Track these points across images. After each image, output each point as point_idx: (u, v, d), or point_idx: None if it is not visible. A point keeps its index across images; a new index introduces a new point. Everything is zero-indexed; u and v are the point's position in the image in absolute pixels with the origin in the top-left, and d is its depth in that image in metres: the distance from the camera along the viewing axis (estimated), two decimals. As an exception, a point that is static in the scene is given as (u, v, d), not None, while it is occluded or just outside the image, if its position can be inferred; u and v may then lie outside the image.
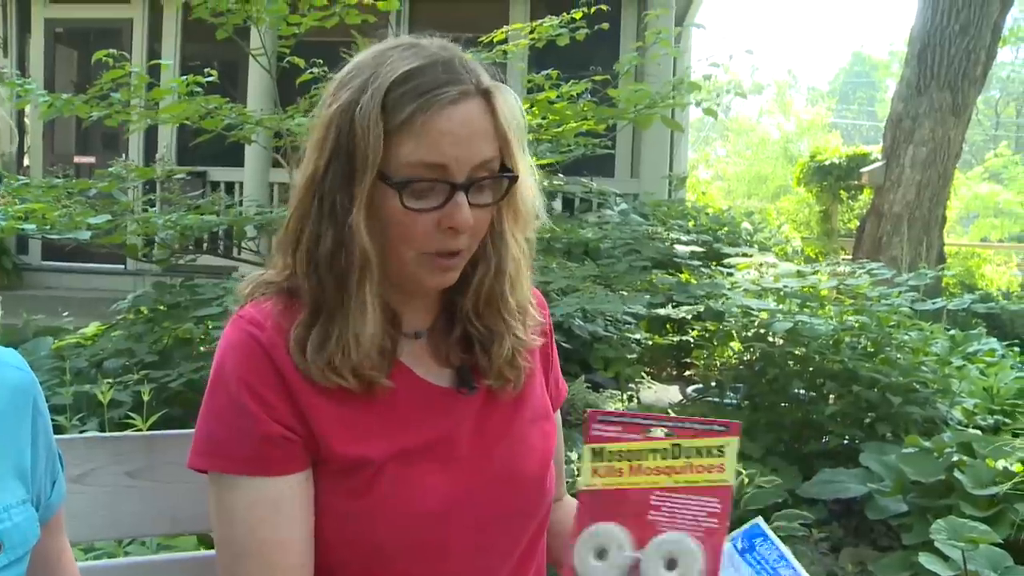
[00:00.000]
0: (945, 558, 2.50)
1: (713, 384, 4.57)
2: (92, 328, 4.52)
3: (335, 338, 1.04)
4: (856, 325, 4.05)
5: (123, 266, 8.81)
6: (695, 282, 4.47)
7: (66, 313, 5.51)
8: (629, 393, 4.91)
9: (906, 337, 4.24)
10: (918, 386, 4.06)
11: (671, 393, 5.07)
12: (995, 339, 5.90)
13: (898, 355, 4.11)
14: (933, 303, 4.11)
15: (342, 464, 1.07)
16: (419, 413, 1.12)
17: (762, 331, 4.22)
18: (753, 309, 3.71)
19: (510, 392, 1.17)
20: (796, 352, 3.98)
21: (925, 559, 2.50)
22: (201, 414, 1.09)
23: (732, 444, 0.94)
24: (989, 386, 4.66)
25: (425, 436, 1.11)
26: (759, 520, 1.14)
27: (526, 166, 1.10)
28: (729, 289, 4.04)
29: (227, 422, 1.06)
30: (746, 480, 3.58)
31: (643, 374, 4.95)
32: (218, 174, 8.46)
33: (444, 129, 1.01)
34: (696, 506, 0.93)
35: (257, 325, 1.07)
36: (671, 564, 0.92)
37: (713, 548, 0.92)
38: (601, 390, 4.99)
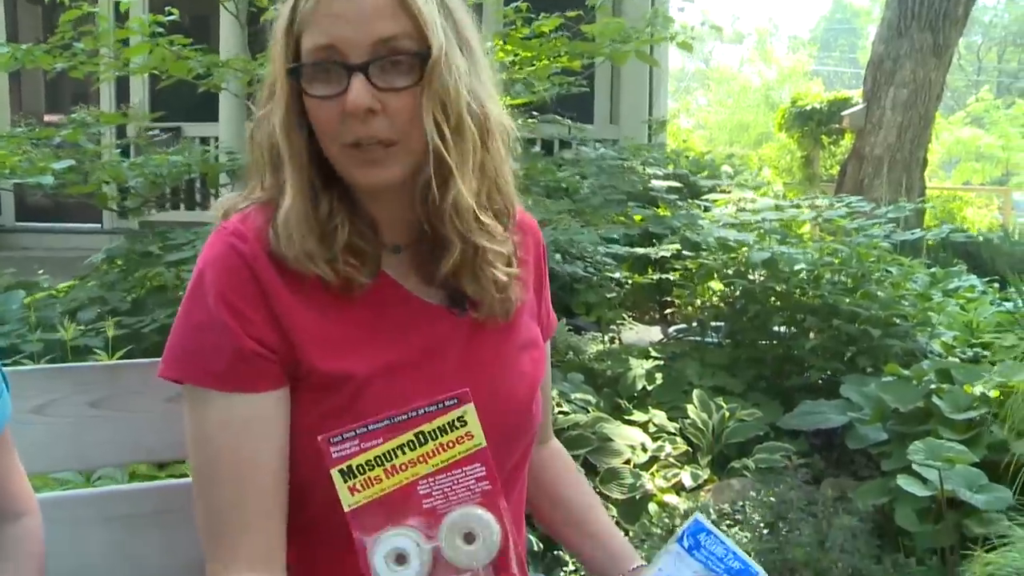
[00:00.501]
0: (923, 480, 2.51)
1: (694, 323, 4.55)
2: (67, 284, 4.46)
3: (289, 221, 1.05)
4: (836, 261, 4.04)
5: (99, 224, 8.71)
6: (671, 215, 4.44)
7: (42, 271, 5.43)
8: (611, 335, 4.90)
9: (886, 272, 4.23)
10: (898, 319, 4.07)
11: (652, 334, 5.05)
12: (975, 276, 5.92)
13: (878, 289, 4.11)
14: (912, 233, 4.09)
15: (324, 380, 1.05)
16: (405, 326, 1.10)
17: (742, 268, 4.21)
18: (731, 241, 3.68)
19: (500, 320, 1.15)
20: (776, 288, 3.97)
21: (903, 481, 2.51)
22: (176, 324, 1.06)
23: (469, 410, 0.94)
24: (968, 320, 4.67)
25: (411, 350, 1.09)
26: (698, 515, 1.19)
27: (461, 48, 1.05)
28: (706, 222, 4.01)
29: (203, 335, 1.03)
30: (727, 415, 3.58)
31: (624, 316, 4.93)
32: (192, 130, 8.34)
33: (330, 10, 1.00)
34: (464, 478, 0.94)
35: (240, 236, 1.05)
36: (469, 538, 0.93)
37: (496, 507, 0.94)
38: (583, 332, 4.98)
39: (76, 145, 3.87)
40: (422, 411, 0.95)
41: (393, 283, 1.11)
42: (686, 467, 3.27)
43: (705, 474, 3.27)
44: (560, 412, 3.32)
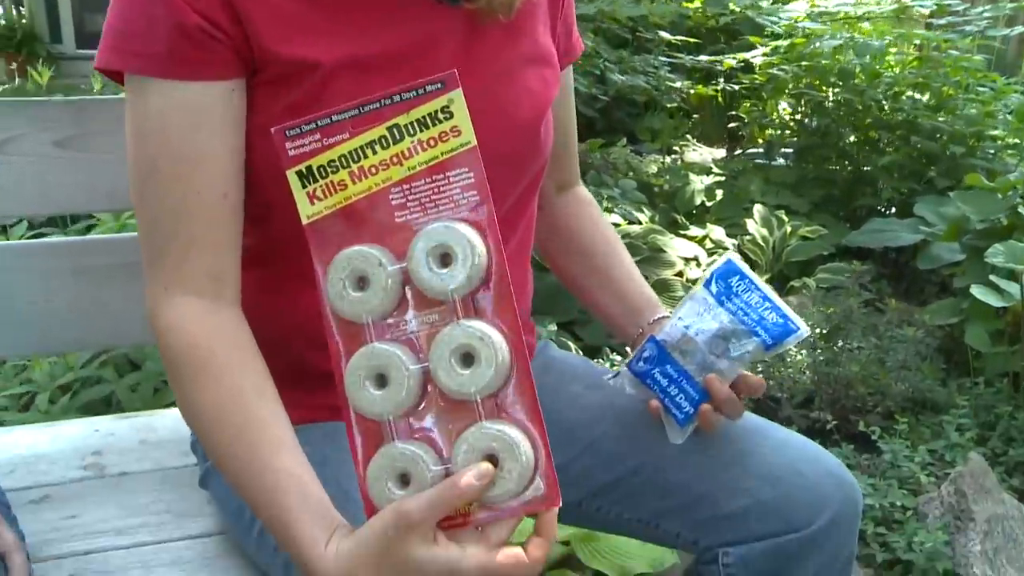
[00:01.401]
0: (1000, 291, 2.29)
1: (761, 143, 4.27)
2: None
3: None
4: (914, 66, 3.66)
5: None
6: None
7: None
8: (673, 156, 4.65)
9: (978, 89, 3.86)
10: (984, 140, 3.73)
11: (717, 154, 4.78)
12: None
13: (966, 106, 3.75)
14: (1011, 30, 3.68)
15: (282, 68, 0.87)
16: (387, 15, 0.91)
17: (814, 82, 3.87)
18: (797, 25, 3.32)
19: (502, 18, 0.95)
20: (852, 102, 3.64)
21: (977, 291, 2.28)
22: (111, 6, 0.88)
23: (457, 98, 0.74)
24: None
25: (388, 44, 0.90)
26: (731, 255, 1.04)
27: None
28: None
29: (140, 12, 0.85)
30: (789, 231, 3.36)
31: (688, 138, 4.66)
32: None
33: None
34: (447, 185, 0.75)
35: None
36: (445, 260, 0.74)
37: (486, 221, 0.75)
38: (644, 154, 4.74)
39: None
40: (398, 98, 0.76)
41: None
42: (741, 283, 3.07)
43: (762, 292, 3.08)
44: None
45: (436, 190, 0.76)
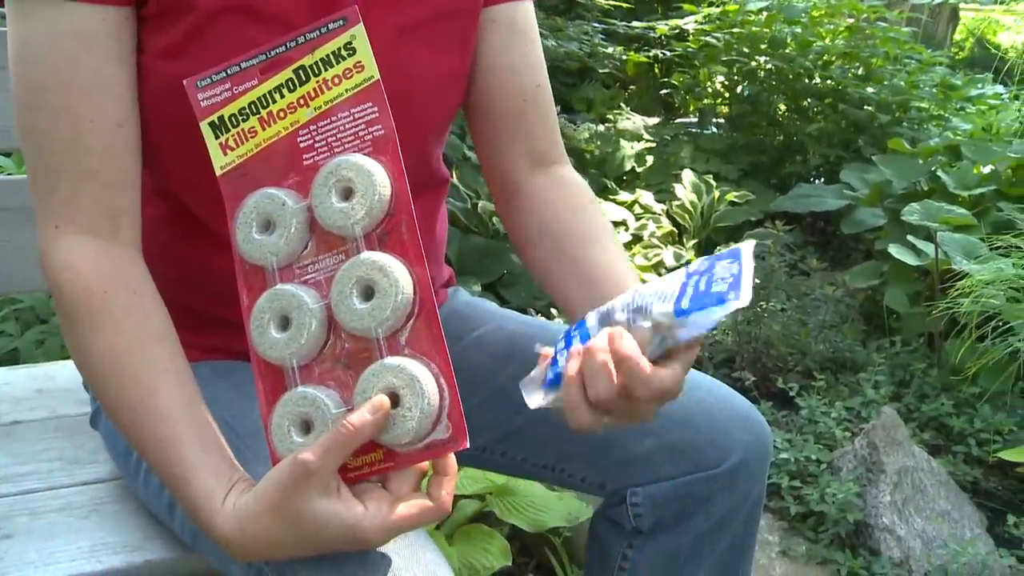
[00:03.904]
0: (917, 251, 2.32)
1: (692, 110, 4.29)
2: None
3: None
4: (847, 43, 3.71)
5: None
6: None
7: None
8: (607, 125, 4.64)
9: (906, 60, 3.92)
10: (910, 109, 3.79)
11: (652, 124, 4.80)
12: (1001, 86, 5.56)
13: (893, 77, 3.81)
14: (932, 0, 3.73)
15: (160, 3, 0.82)
16: None
17: (747, 50, 3.89)
18: None
19: None
20: (783, 68, 3.67)
21: (895, 249, 2.31)
22: None
23: (359, 34, 0.74)
24: (988, 124, 4.38)
25: None
26: (749, 244, 0.77)
27: None
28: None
29: None
30: (717, 196, 3.38)
31: (621, 105, 4.65)
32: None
33: None
34: (351, 122, 0.75)
35: None
36: (347, 193, 0.73)
37: (389, 154, 0.74)
38: (578, 123, 4.74)
39: None
40: (303, 39, 0.75)
41: None
42: (669, 247, 3.09)
43: (689, 255, 3.10)
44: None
45: (341, 128, 0.75)
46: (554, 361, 0.77)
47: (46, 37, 0.81)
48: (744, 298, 0.69)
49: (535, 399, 0.77)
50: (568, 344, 0.77)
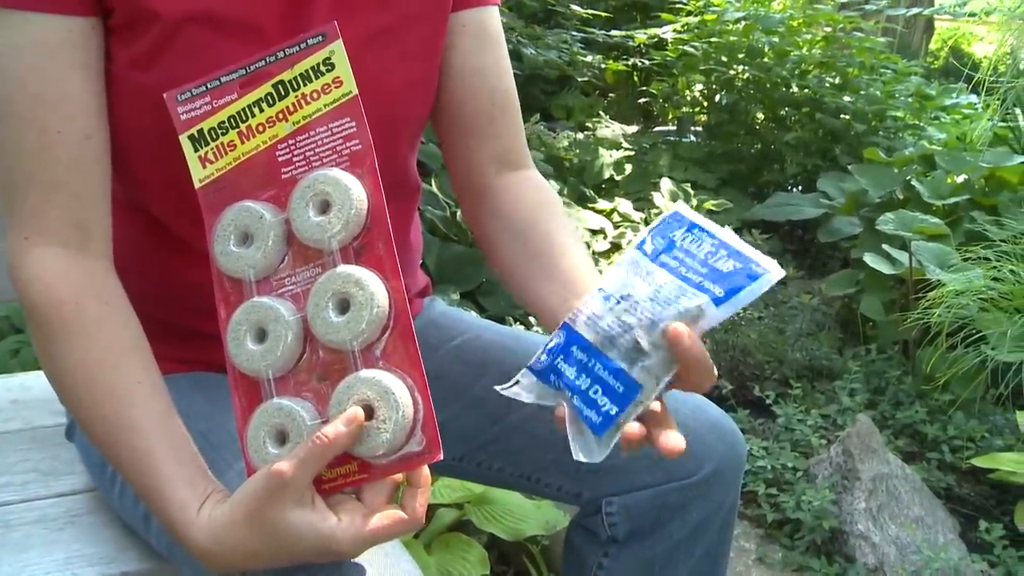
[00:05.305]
0: (892, 260, 2.35)
1: (671, 119, 4.32)
2: None
3: None
4: (823, 52, 3.76)
5: None
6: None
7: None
8: (586, 133, 4.66)
9: (883, 70, 3.96)
10: (885, 118, 3.83)
11: (630, 132, 4.82)
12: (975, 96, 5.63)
13: (869, 87, 3.85)
14: (907, 11, 3.79)
15: (128, 13, 0.82)
16: None
17: (725, 59, 3.93)
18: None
19: None
20: (760, 78, 3.70)
21: (870, 258, 2.34)
22: None
23: (338, 50, 0.75)
24: (963, 133, 4.43)
25: (253, 3, 0.85)
26: (679, 206, 0.80)
27: None
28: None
29: None
30: (696, 205, 3.40)
31: (600, 112, 4.67)
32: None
33: None
34: (329, 137, 0.76)
35: None
36: (324, 207, 0.74)
37: (366, 168, 0.75)
38: (557, 131, 4.75)
39: None
40: (282, 54, 0.76)
41: None
42: (648, 255, 3.10)
43: (667, 263, 3.11)
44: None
45: (319, 142, 0.76)
46: (577, 406, 0.76)
47: (10, 48, 0.80)
48: (772, 267, 0.72)
49: (594, 451, 0.76)
50: (571, 377, 0.77)
